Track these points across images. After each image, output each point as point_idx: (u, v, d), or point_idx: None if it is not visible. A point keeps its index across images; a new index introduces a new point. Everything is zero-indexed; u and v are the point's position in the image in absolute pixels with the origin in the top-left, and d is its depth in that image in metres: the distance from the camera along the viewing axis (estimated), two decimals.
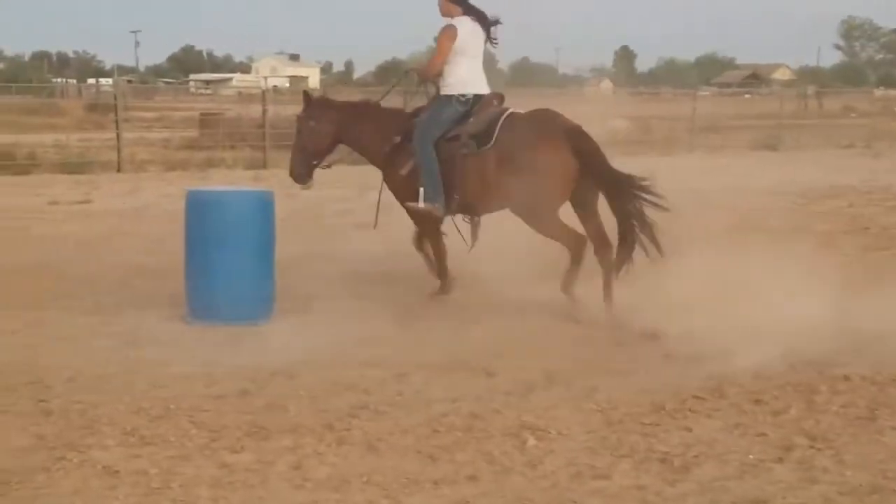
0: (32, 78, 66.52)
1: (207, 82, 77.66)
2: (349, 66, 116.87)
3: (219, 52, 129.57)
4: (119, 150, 22.33)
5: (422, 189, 8.49)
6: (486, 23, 8.71)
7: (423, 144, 8.51)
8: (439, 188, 8.46)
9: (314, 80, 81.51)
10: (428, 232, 8.88)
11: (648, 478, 4.97)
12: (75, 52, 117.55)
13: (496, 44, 8.83)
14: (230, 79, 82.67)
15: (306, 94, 9.39)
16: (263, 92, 26.40)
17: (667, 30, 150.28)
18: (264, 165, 22.15)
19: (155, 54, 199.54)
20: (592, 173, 8.22)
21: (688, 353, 7.09)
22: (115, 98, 24.61)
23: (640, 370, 6.81)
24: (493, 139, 8.36)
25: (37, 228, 13.40)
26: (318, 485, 4.87)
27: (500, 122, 8.41)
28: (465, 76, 8.63)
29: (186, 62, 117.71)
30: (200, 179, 19.03)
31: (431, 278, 8.94)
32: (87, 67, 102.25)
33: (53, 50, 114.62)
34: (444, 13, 8.71)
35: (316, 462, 5.14)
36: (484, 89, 8.68)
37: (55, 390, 6.21)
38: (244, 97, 42.39)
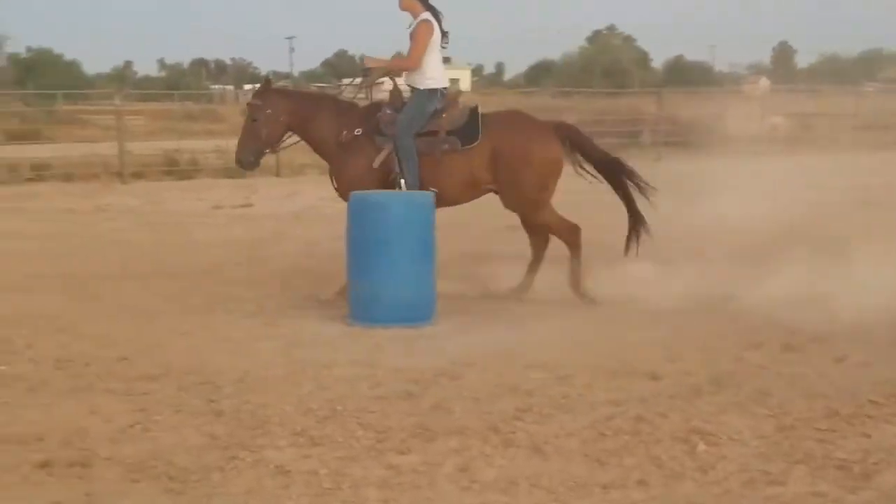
0: (192, 85, 68.29)
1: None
2: (500, 67, 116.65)
3: None
4: (277, 155, 22.71)
5: (402, 181, 8.69)
6: (440, 20, 8.90)
7: (406, 137, 8.71)
8: (417, 179, 8.71)
9: (465, 83, 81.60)
10: None
11: (826, 485, 4.82)
12: (232, 60, 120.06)
13: (445, 46, 9.02)
14: (382, 82, 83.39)
15: (267, 80, 9.50)
16: None
17: (828, 24, 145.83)
18: None
19: (309, 60, 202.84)
20: (588, 159, 8.88)
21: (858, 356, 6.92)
22: None
23: (810, 374, 6.62)
24: (479, 136, 8.67)
25: (201, 232, 13.75)
26: (486, 487, 4.86)
27: (480, 119, 8.74)
28: (441, 70, 8.94)
29: (340, 66, 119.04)
30: None
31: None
32: (243, 74, 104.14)
33: (211, 58, 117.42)
34: (405, 7, 8.92)
35: (483, 464, 5.12)
36: (447, 83, 9.01)
37: (225, 391, 6.32)
38: None
